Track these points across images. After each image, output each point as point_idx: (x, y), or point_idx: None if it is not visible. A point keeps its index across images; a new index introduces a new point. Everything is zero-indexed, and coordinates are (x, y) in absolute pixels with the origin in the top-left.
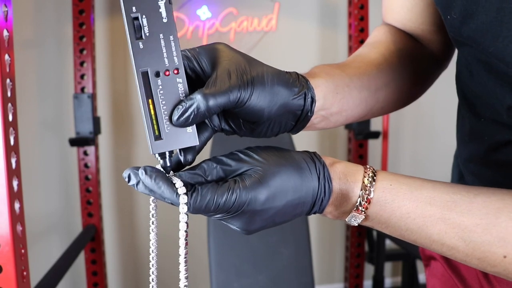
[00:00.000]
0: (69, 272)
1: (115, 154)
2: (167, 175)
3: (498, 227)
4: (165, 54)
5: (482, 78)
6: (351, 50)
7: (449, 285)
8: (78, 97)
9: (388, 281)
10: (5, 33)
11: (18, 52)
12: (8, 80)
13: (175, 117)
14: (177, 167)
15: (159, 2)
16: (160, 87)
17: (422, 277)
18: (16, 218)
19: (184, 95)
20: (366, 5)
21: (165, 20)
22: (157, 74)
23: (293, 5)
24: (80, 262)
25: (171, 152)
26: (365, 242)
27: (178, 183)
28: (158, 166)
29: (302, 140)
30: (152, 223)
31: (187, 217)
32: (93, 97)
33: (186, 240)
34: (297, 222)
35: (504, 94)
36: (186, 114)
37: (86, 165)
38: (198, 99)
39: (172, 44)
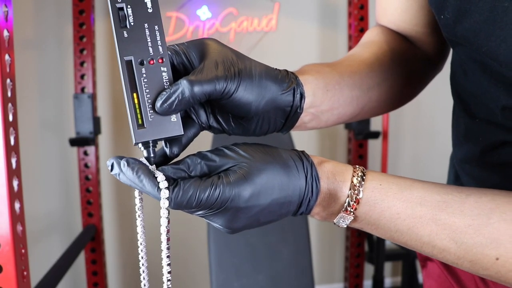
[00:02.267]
0: (69, 272)
1: (115, 154)
2: (150, 167)
3: (490, 228)
4: (149, 43)
5: (476, 78)
6: (351, 50)
7: (445, 287)
8: (78, 97)
9: (388, 281)
10: (5, 33)
11: (18, 52)
12: (8, 80)
13: (158, 104)
14: (163, 160)
15: None
16: (144, 75)
17: (421, 277)
18: (16, 218)
19: (168, 83)
20: (366, 5)
21: (150, 10)
22: (141, 63)
23: (293, 5)
24: (80, 262)
25: (154, 143)
26: (365, 242)
27: (160, 177)
28: (143, 159)
29: (302, 140)
30: (139, 216)
31: (168, 213)
32: (93, 97)
33: (167, 236)
34: (297, 222)
35: (499, 94)
36: (170, 100)
37: (86, 165)
38: (183, 84)
39: (157, 33)
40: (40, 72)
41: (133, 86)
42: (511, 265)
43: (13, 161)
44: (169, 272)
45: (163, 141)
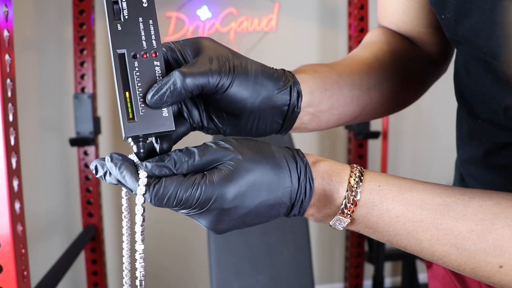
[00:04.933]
0: (69, 272)
1: None
2: (137, 163)
3: (494, 234)
4: (143, 37)
5: (479, 77)
6: (351, 50)
7: None
8: (78, 97)
9: (388, 281)
10: (6, 33)
11: (18, 52)
12: (8, 80)
13: (149, 95)
14: (152, 155)
15: None
16: (137, 69)
17: (421, 277)
18: (17, 218)
19: (161, 78)
20: (366, 5)
21: (145, 5)
22: (134, 56)
23: (293, 5)
24: (80, 262)
25: (145, 138)
26: (365, 242)
27: (142, 173)
28: (132, 156)
29: (303, 141)
30: (125, 217)
31: (143, 210)
32: (93, 97)
33: (142, 236)
34: (297, 222)
35: (502, 94)
36: (161, 92)
37: (86, 165)
38: (175, 75)
39: (151, 28)
40: (40, 72)
41: (125, 80)
42: None
43: (13, 161)
44: (142, 267)
45: (153, 137)
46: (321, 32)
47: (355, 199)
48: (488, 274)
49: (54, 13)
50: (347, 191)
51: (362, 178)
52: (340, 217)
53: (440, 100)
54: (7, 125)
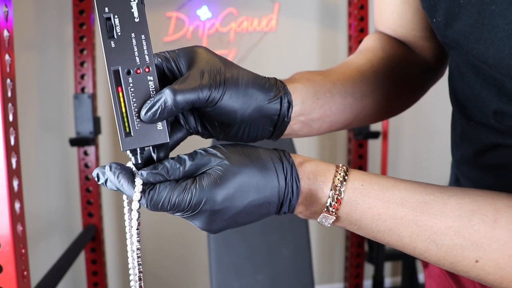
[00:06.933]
0: (69, 272)
1: (115, 154)
2: (134, 171)
3: (471, 230)
4: (136, 53)
5: (470, 81)
6: (351, 50)
7: (444, 287)
8: (78, 97)
9: (388, 281)
10: (6, 33)
11: (18, 52)
12: (8, 80)
13: (143, 112)
14: (150, 163)
15: (131, 3)
16: (131, 84)
17: (422, 277)
18: (17, 218)
19: (154, 92)
20: (366, 5)
21: (137, 20)
22: (128, 72)
23: (293, 5)
24: (80, 262)
25: (142, 149)
26: (365, 241)
27: (137, 181)
28: (130, 164)
29: (303, 141)
30: (127, 218)
31: (139, 215)
32: (93, 97)
33: (138, 237)
34: (297, 222)
35: (490, 98)
36: (154, 109)
37: (86, 165)
38: (166, 93)
39: (144, 43)
40: (40, 72)
41: (120, 96)
42: (490, 267)
43: (13, 161)
44: (140, 272)
45: (150, 147)
46: (321, 32)
47: (339, 197)
48: (465, 269)
49: (54, 13)
50: (331, 190)
51: (346, 177)
52: (326, 214)
53: (440, 100)
54: (7, 125)
